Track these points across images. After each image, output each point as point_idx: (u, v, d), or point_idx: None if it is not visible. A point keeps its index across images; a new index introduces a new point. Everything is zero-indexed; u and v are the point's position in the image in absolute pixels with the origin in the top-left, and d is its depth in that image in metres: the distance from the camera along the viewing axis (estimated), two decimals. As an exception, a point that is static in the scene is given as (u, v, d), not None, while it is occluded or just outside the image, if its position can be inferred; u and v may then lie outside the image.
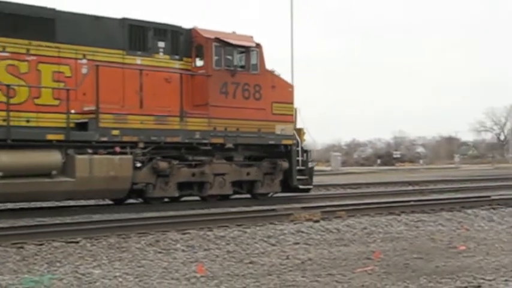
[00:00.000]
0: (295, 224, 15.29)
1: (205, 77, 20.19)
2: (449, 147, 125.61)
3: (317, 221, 15.63)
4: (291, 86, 22.50)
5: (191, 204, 20.51)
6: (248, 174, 21.42)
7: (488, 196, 23.01)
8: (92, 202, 20.35)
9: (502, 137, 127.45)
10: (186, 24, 18.72)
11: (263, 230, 14.38)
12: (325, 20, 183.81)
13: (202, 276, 9.68)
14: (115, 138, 18.44)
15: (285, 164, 21.97)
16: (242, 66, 21.01)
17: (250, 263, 11.03)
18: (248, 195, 22.03)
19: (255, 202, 20.97)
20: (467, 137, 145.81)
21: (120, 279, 9.39)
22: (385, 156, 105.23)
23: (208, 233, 13.75)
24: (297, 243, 13.36)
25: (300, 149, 22.42)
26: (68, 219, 16.67)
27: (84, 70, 18.29)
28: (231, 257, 11.62)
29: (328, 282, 9.28)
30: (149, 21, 19.74)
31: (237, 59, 20.87)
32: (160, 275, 9.86)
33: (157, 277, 9.66)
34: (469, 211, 18.38)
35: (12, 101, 16.89)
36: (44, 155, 17.23)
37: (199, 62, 20.57)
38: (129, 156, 18.63)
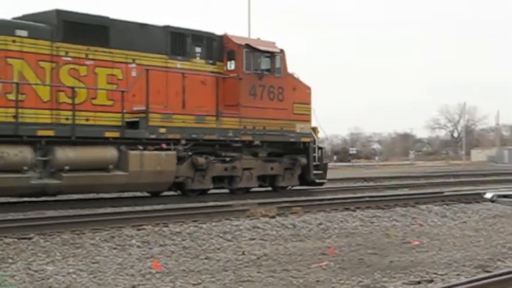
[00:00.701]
0: (251, 219, 15.29)
1: (237, 80, 22.01)
2: (404, 144, 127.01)
3: (273, 217, 15.67)
4: (309, 88, 24.52)
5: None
6: (272, 169, 23.37)
7: (442, 192, 23.35)
8: (44, 198, 20.11)
9: (455, 134, 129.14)
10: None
11: (219, 225, 14.36)
12: (281, 16, 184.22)
13: (157, 272, 9.64)
14: (162, 136, 20.23)
15: (304, 160, 24.01)
16: (268, 70, 22.90)
17: (206, 258, 11.01)
18: (269, 188, 24.02)
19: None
20: (422, 134, 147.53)
21: (74, 276, 9.29)
22: (341, 153, 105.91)
23: (164, 228, 13.67)
24: (253, 239, 13.38)
25: (316, 146, 24.58)
26: (20, 215, 16.47)
27: (133, 73, 19.93)
28: (187, 253, 11.60)
29: (284, 278, 9.31)
30: (188, 28, 21.62)
31: (264, 63, 22.77)
32: (115, 271, 9.79)
33: (112, 273, 9.59)
34: (423, 207, 18.59)
35: (70, 101, 18.58)
36: (102, 151, 18.96)
37: (230, 66, 22.44)
38: (173, 152, 20.34)
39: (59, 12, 18.67)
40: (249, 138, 22.35)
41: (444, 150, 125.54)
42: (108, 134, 19.09)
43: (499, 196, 20.91)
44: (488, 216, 17.84)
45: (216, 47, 22.08)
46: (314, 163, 24.41)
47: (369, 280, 9.08)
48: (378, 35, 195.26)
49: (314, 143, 24.51)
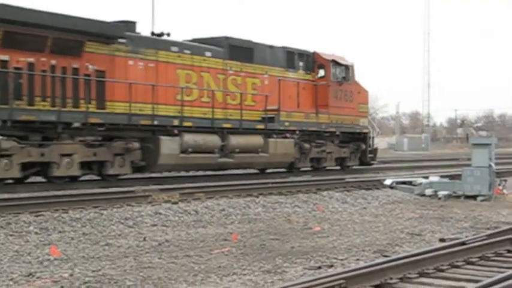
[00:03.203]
0: (153, 205, 15.15)
1: (326, 87, 28.51)
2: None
3: (175, 203, 15.57)
4: (367, 91, 31.47)
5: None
6: (344, 152, 29.84)
7: (343, 178, 23.71)
8: None
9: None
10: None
11: (120, 211, 14.16)
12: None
13: (55, 259, 9.44)
14: (286, 128, 26.54)
15: (363, 146, 30.68)
16: (343, 78, 29.43)
17: (106, 245, 10.86)
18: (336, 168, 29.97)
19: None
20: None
21: (-32, 263, 8.99)
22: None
23: (64, 215, 13.37)
24: (155, 225, 13.28)
25: (371, 136, 31.42)
26: None
27: (266, 82, 26.28)
28: (87, 239, 11.40)
29: (185, 264, 9.26)
30: (295, 47, 28.06)
31: (341, 73, 29.41)
32: (11, 258, 9.53)
33: (8, 260, 9.34)
34: (325, 193, 18.85)
35: (233, 102, 24.87)
36: (255, 138, 25.31)
37: (319, 75, 28.91)
38: (292, 140, 26.68)
39: (226, 38, 24.99)
40: (333, 129, 28.87)
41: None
42: (258, 126, 25.50)
43: (398, 183, 21.43)
44: (388, 202, 18.26)
45: (311, 61, 28.61)
46: (369, 148, 31.09)
47: (270, 265, 9.13)
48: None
49: (369, 134, 31.35)
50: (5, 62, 18.35)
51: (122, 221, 13.36)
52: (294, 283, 7.13)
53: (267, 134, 25.68)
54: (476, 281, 7.49)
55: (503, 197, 19.13)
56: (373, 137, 31.63)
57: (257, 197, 17.45)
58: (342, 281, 7.07)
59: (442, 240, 11.17)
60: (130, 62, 21.30)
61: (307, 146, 27.51)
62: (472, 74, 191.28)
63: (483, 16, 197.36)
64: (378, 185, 21.50)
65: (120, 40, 20.93)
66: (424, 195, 19.68)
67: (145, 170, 22.41)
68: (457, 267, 8.60)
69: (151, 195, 16.38)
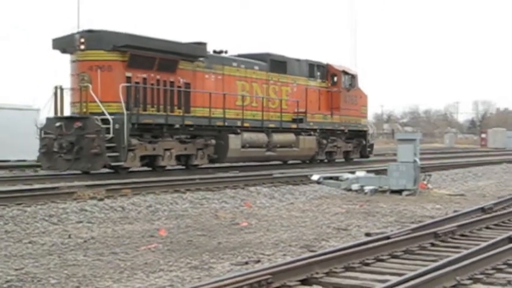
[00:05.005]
0: (78, 202, 14.89)
1: (338, 92, 34.03)
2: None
3: (101, 199, 15.35)
4: (367, 96, 37.14)
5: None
6: (349, 147, 35.40)
7: (271, 174, 23.79)
8: None
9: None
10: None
11: (44, 208, 13.87)
12: None
13: (-24, 258, 9.19)
14: (311, 127, 31.96)
15: (364, 142, 36.26)
16: (350, 85, 34.99)
17: (30, 242, 10.64)
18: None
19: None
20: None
21: None
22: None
23: (-15, 212, 13.05)
24: (80, 222, 13.06)
25: (369, 133, 37.12)
26: None
27: (294, 89, 31.51)
28: (9, 237, 11.15)
29: (111, 261, 9.14)
30: (314, 60, 33.30)
31: (349, 81, 34.89)
32: None
33: None
34: (252, 189, 18.88)
35: (273, 106, 30.08)
36: (290, 135, 30.55)
37: (332, 83, 34.16)
38: (314, 137, 32.10)
39: (268, 54, 30.42)
40: (343, 128, 34.42)
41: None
42: (292, 126, 30.81)
43: (325, 178, 21.61)
44: (315, 198, 18.40)
45: (325, 71, 33.93)
46: (368, 144, 36.79)
47: (197, 261, 9.09)
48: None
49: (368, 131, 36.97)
50: (129, 77, 23.25)
51: (46, 218, 13.09)
52: (220, 279, 7.11)
53: (296, 132, 31.07)
54: (400, 274, 7.60)
55: (428, 192, 19.52)
56: (371, 134, 37.66)
57: (184, 192, 17.35)
58: (268, 276, 7.08)
59: (367, 234, 11.31)
60: (206, 76, 26.75)
61: (324, 141, 33.14)
62: (398, 70, 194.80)
63: (409, 12, 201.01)
64: (305, 180, 21.66)
65: (200, 58, 26.00)
66: (350, 190, 19.91)
67: (217, 161, 27.57)
68: (382, 261, 8.72)
69: (77, 191, 16.11)
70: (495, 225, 12.15)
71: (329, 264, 8.06)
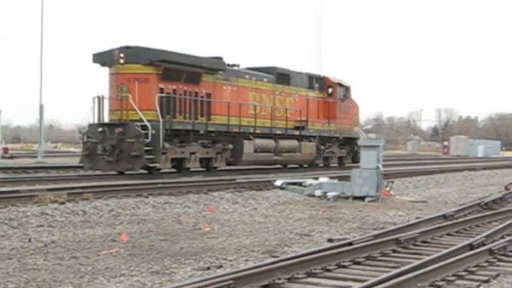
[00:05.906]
0: (39, 206, 14.71)
1: (334, 103, 36.91)
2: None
3: (63, 203, 15.18)
4: (359, 106, 40.40)
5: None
6: (343, 152, 38.09)
7: (234, 179, 23.74)
8: None
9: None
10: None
11: (4, 212, 13.67)
12: None
13: None
14: (311, 134, 34.60)
15: (355, 148, 37.63)
16: (344, 95, 37.98)
17: (-12, 246, 10.46)
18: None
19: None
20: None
21: None
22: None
23: None
24: (41, 226, 12.90)
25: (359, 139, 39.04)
26: None
27: (296, 99, 34.15)
28: (-33, 241, 10.96)
29: (71, 265, 9.04)
30: (313, 73, 36.45)
31: (343, 92, 37.87)
32: None
33: None
34: (215, 193, 18.81)
35: (278, 115, 32.58)
36: (293, 142, 33.16)
37: (328, 94, 37.05)
38: (314, 143, 34.77)
39: (275, 68, 33.13)
40: (338, 135, 37.20)
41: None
42: (295, 133, 33.30)
43: (288, 183, 21.63)
44: (278, 203, 18.40)
45: (322, 83, 36.74)
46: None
47: (159, 266, 9.02)
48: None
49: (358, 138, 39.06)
50: (162, 89, 25.66)
51: (6, 221, 12.90)
52: (182, 284, 7.07)
53: (299, 138, 33.65)
54: (362, 281, 7.62)
55: (390, 198, 19.61)
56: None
57: (147, 197, 17.24)
58: (230, 282, 7.05)
59: (330, 240, 11.33)
60: (224, 87, 29.38)
61: (322, 147, 35.79)
62: (362, 77, 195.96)
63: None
64: (268, 185, 21.67)
65: (219, 71, 28.61)
66: (313, 196, 19.94)
67: (233, 164, 30.12)
68: (344, 267, 8.74)
69: (38, 195, 15.91)
70: (456, 232, 12.25)
71: (291, 270, 8.05)
